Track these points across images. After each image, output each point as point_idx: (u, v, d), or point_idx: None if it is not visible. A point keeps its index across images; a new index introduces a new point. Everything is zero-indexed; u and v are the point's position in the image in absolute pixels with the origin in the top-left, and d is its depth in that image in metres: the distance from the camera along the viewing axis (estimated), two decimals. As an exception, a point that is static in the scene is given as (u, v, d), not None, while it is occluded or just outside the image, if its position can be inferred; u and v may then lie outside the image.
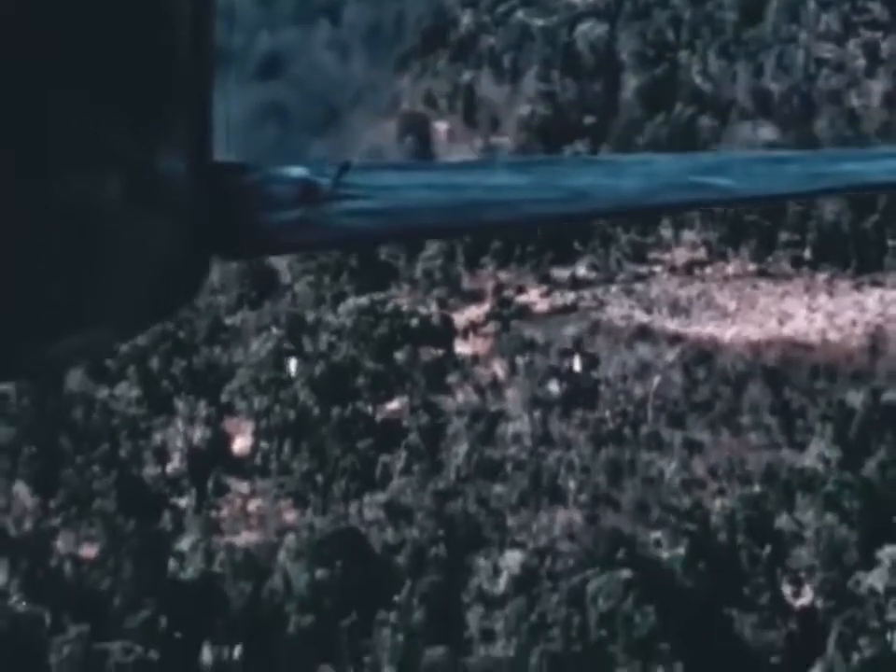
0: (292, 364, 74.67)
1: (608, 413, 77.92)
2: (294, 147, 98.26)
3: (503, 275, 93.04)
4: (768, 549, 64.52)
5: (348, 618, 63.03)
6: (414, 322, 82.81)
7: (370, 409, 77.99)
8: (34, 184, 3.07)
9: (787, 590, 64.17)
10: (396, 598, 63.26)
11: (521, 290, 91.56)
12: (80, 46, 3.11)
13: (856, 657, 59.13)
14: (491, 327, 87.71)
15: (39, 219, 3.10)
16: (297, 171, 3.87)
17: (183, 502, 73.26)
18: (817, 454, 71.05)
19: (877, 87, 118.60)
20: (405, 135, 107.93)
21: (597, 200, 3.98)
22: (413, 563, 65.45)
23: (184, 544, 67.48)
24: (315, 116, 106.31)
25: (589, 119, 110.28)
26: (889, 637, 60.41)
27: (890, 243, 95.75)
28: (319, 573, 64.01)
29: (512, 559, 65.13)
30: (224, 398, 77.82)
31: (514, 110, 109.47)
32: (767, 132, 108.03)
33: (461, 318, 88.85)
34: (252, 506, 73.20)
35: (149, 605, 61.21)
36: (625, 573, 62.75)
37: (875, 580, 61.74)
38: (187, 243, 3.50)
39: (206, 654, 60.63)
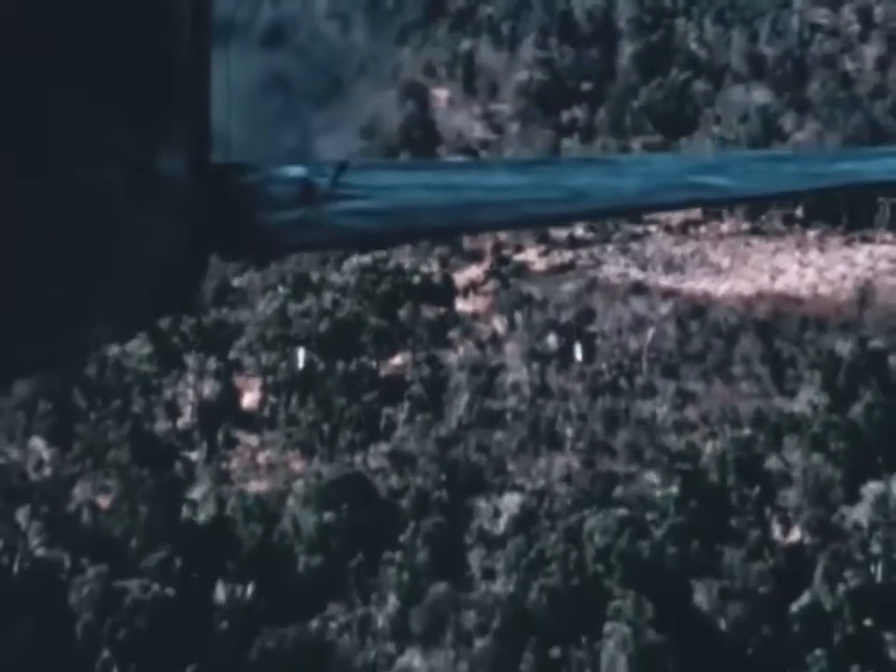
0: (300, 354, 76.60)
1: (604, 366, 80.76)
2: (297, 116, 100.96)
3: (502, 236, 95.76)
4: (757, 489, 67.51)
5: (355, 558, 66.07)
6: (416, 280, 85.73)
7: (374, 364, 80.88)
8: (33, 183, 3.10)
9: (776, 529, 67.14)
10: (400, 539, 66.29)
11: (519, 250, 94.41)
12: (80, 46, 3.15)
13: (841, 588, 62.09)
14: (490, 285, 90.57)
15: (39, 219, 3.13)
16: (296, 171, 3.91)
17: (194, 455, 76.23)
18: (806, 400, 73.93)
19: (870, 51, 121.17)
20: (406, 103, 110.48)
21: (596, 200, 4.02)
22: (416, 506, 68.45)
23: (196, 493, 70.50)
24: (319, 85, 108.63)
25: (586, 85, 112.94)
26: (872, 569, 63.36)
27: (880, 200, 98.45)
28: (327, 516, 67.05)
29: (512, 501, 68.15)
30: (232, 355, 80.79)
31: (513, 77, 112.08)
32: (761, 95, 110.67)
33: (461, 277, 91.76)
34: (261, 458, 76.14)
35: (164, 547, 64.33)
36: (620, 511, 65.82)
37: (859, 514, 64.76)
38: (186, 242, 3.54)
39: (220, 592, 63.75)
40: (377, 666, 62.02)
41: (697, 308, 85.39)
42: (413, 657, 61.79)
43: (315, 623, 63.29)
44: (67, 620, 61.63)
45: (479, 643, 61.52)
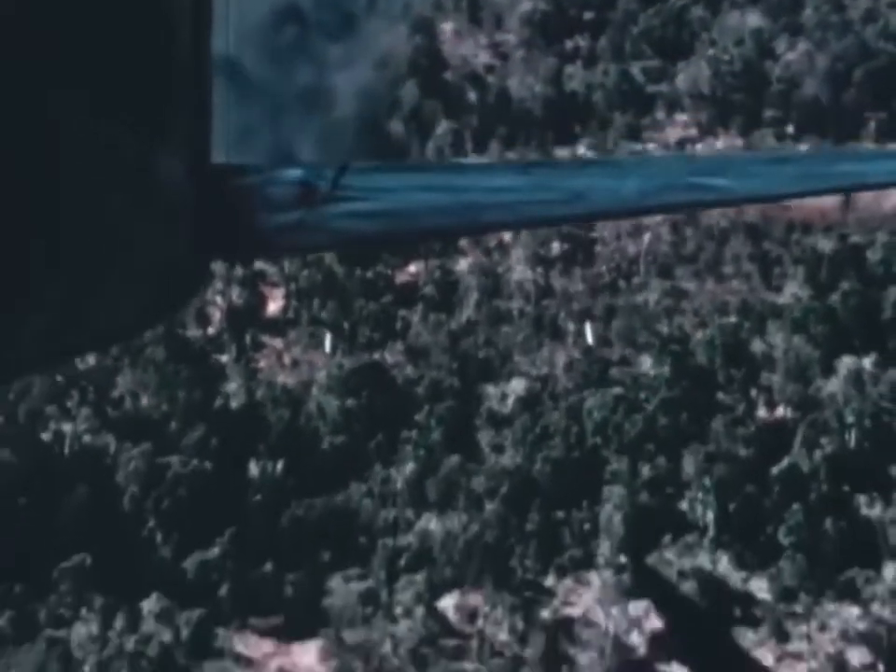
0: (328, 339, 79.77)
1: (603, 268, 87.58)
2: (311, 50, 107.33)
3: (510, 156, 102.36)
4: (742, 369, 74.45)
5: (375, 438, 73.25)
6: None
7: (389, 272, 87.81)
8: (33, 186, 3.14)
9: (759, 403, 74.08)
10: (416, 418, 73.46)
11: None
12: (79, 46, 3.19)
13: (818, 454, 69.01)
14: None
15: (39, 220, 3.16)
16: (295, 173, 3.96)
17: (224, 357, 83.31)
18: (790, 293, 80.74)
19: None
20: (414, 37, 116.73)
21: (596, 201, 4.04)
22: (430, 392, 75.53)
23: (228, 387, 77.65)
24: (333, 20, 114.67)
25: (588, 14, 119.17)
26: (846, 436, 70.23)
27: (867, 114, 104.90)
28: (348, 402, 74.19)
29: (518, 385, 75.22)
30: (258, 265, 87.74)
31: (517, 8, 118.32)
32: (755, 19, 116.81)
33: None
34: (286, 357, 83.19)
35: (201, 428, 71.54)
36: (616, 390, 72.83)
37: (833, 387, 71.67)
38: (186, 244, 3.58)
39: (253, 468, 70.99)
40: (398, 529, 69.19)
41: (691, 215, 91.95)
42: (430, 521, 68.97)
43: (339, 496, 70.49)
44: (116, 493, 68.92)
45: (489, 507, 68.65)
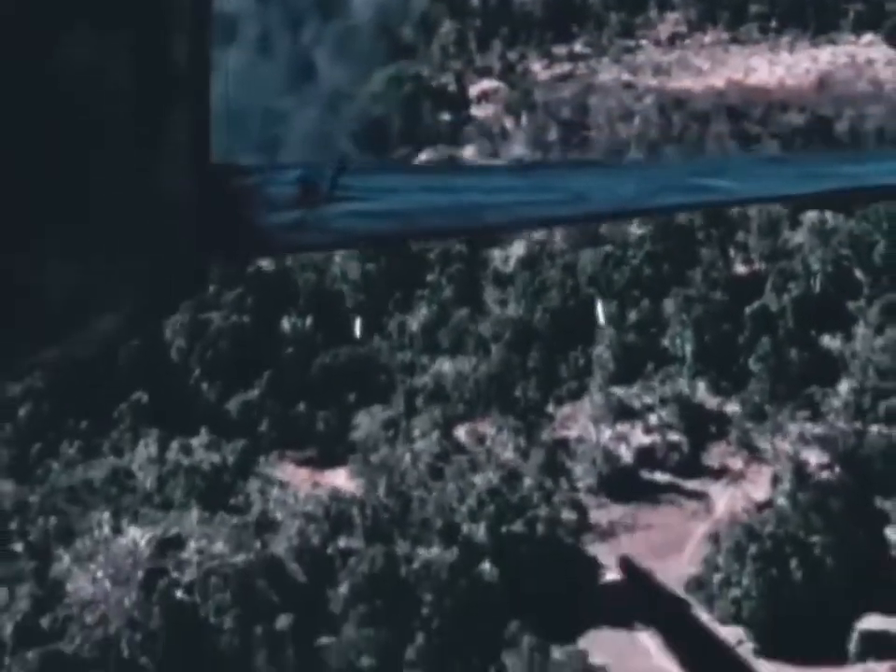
0: (357, 323, 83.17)
1: (597, 150, 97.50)
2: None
3: (511, 54, 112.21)
4: (720, 229, 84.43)
5: (392, 297, 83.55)
6: (435, 86, 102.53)
7: (401, 154, 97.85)
8: (32, 182, 3.22)
9: (735, 258, 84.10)
10: (429, 279, 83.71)
11: (526, 64, 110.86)
12: (79, 46, 3.25)
13: (786, 297, 78.95)
14: (501, 94, 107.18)
15: (38, 219, 3.24)
16: (295, 172, 4.03)
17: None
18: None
19: None
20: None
21: (597, 202, 4.11)
22: (441, 257, 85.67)
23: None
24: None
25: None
26: (811, 281, 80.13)
27: (845, 6, 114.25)
28: (368, 266, 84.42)
29: (519, 247, 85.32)
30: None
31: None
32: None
33: (475, 89, 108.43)
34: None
35: (238, 287, 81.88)
36: (607, 247, 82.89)
37: (799, 237, 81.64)
38: (186, 244, 3.65)
39: (285, 324, 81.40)
40: (415, 372, 79.54)
41: (679, 101, 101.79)
42: (443, 364, 79.27)
43: (362, 346, 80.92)
44: (164, 346, 79.33)
45: (494, 350, 78.92)
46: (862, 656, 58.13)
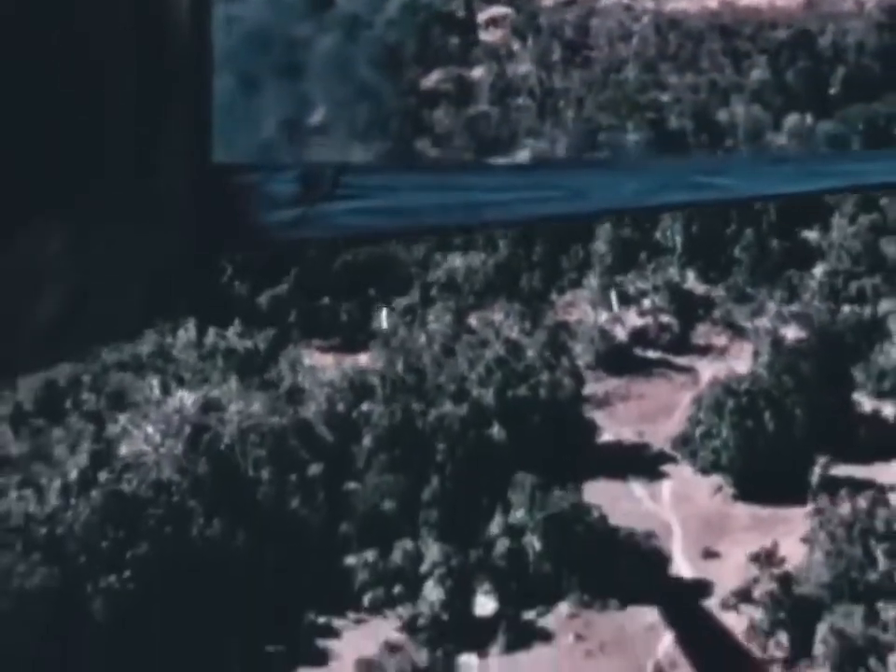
0: (384, 315, 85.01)
1: (597, 68, 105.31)
2: None
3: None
4: (709, 134, 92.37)
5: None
6: (446, 13, 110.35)
7: (414, 78, 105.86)
8: (33, 183, 3.24)
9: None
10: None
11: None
12: (78, 46, 3.26)
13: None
14: (508, 19, 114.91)
15: (38, 218, 3.27)
16: (295, 170, 4.12)
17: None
18: (755, 77, 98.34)
19: None
20: None
21: (596, 200, 4.22)
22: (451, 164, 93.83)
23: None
24: None
25: None
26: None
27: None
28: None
29: (523, 155, 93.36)
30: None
31: None
32: None
33: (484, 15, 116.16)
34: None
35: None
36: (604, 152, 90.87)
37: (782, 139, 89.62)
38: (187, 241, 3.77)
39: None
40: (429, 267, 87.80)
41: (674, 21, 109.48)
42: (455, 259, 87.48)
43: (380, 246, 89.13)
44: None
45: (502, 246, 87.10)
46: (823, 496, 66.18)
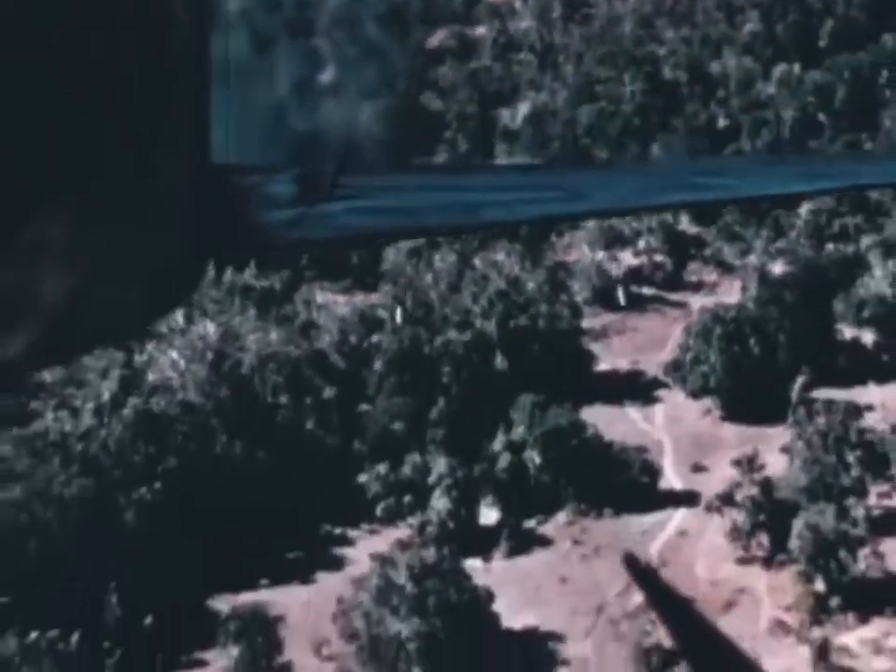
0: (398, 312, 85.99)
1: (596, 24, 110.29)
2: None
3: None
4: (702, 85, 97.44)
5: (415, 151, 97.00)
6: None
7: (421, 38, 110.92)
8: (33, 182, 3.23)
9: (716, 114, 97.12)
10: (446, 135, 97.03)
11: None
12: (77, 46, 3.25)
13: (759, 142, 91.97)
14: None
15: (38, 218, 3.25)
16: (295, 171, 4.15)
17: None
18: (747, 31, 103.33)
19: None
20: None
21: (596, 200, 4.28)
22: (457, 119, 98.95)
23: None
24: None
25: None
26: (780, 128, 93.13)
27: None
28: (393, 125, 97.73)
29: (525, 106, 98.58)
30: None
31: None
32: None
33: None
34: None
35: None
36: (602, 103, 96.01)
37: (771, 88, 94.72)
38: (187, 242, 3.77)
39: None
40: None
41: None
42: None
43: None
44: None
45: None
46: (802, 416, 71.27)
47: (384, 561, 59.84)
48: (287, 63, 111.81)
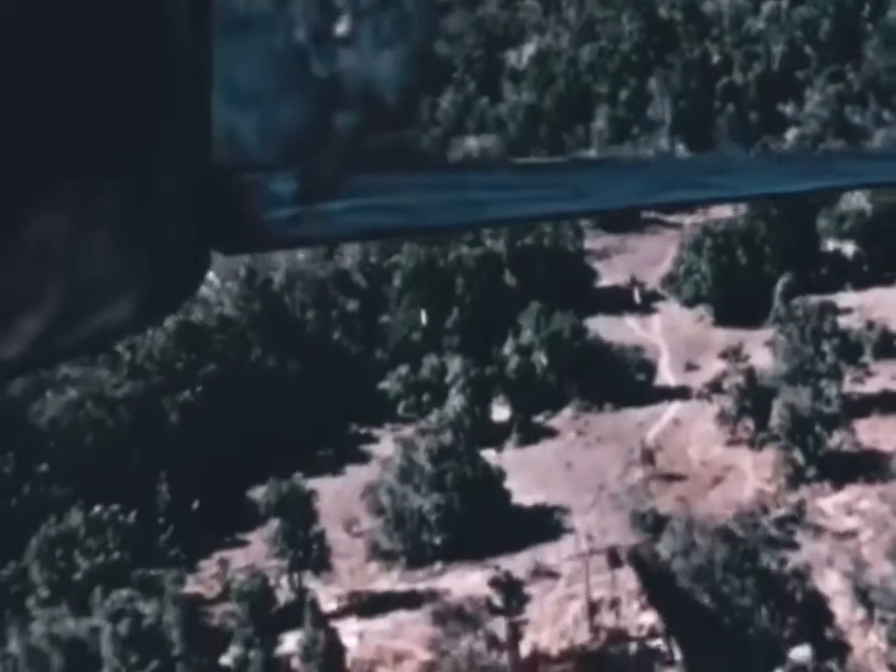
0: (423, 315, 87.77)
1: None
2: None
3: None
4: (697, 25, 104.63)
5: (425, 95, 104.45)
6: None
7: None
8: (30, 182, 3.20)
9: (711, 51, 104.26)
10: (454, 76, 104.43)
11: None
12: (77, 45, 3.22)
13: (750, 74, 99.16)
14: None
15: (38, 217, 3.23)
16: (296, 169, 3.93)
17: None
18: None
19: None
20: None
21: (598, 198, 4.03)
22: (464, 60, 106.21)
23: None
24: None
25: None
26: (768, 61, 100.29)
27: None
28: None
29: (530, 47, 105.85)
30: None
31: None
32: None
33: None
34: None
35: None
36: (602, 42, 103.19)
37: (761, 24, 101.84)
38: (187, 240, 3.61)
39: (339, 119, 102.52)
40: (447, 147, 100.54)
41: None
42: (469, 140, 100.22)
43: (404, 131, 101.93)
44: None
45: (511, 127, 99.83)
46: (784, 314, 78.29)
47: (406, 444, 67.58)
48: (305, 13, 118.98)
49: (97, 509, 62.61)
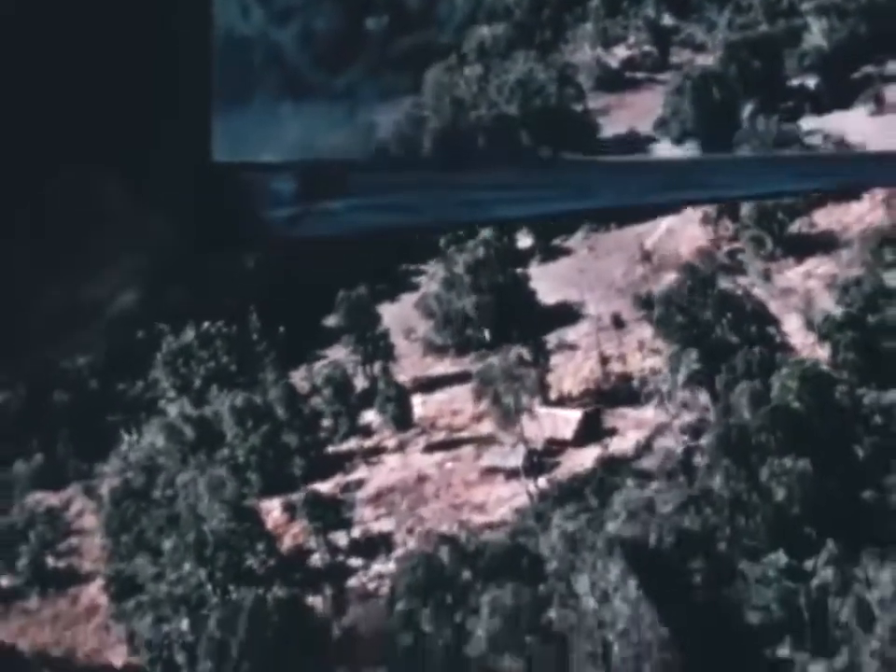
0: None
1: None
2: None
3: None
4: None
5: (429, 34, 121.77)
6: None
7: None
8: (34, 181, 3.33)
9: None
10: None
11: None
12: (77, 45, 3.37)
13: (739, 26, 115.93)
14: None
15: (40, 216, 3.36)
16: (298, 168, 4.19)
17: None
18: None
19: None
20: None
21: (600, 197, 4.31)
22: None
23: None
24: None
25: None
26: (756, 15, 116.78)
27: None
28: None
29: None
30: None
31: None
32: None
33: None
34: None
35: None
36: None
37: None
38: (188, 240, 3.81)
39: (370, 22, 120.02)
40: (461, 39, 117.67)
41: None
42: (483, 31, 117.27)
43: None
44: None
45: (517, 13, 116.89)
46: (751, 128, 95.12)
47: (447, 259, 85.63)
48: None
49: (206, 325, 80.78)
